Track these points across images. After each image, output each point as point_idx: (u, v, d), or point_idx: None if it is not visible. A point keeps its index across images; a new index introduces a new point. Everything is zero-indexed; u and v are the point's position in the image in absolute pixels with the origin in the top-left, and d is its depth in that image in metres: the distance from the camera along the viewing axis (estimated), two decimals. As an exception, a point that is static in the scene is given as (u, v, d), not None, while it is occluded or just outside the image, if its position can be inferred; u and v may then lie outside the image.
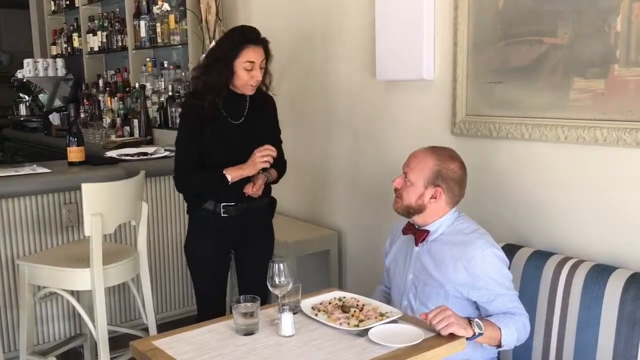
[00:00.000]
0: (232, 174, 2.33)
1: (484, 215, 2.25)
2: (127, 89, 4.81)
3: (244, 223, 2.46)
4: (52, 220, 3.01)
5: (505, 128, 2.31)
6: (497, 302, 1.90)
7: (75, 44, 5.68)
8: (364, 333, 1.69)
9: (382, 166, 2.90)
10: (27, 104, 5.85)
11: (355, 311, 1.82)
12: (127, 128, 4.55)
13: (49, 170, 3.04)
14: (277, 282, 1.79)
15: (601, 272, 1.91)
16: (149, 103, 4.44)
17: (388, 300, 2.14)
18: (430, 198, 1.98)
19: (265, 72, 2.41)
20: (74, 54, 5.74)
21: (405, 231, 2.09)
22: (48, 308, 3.06)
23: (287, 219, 3.46)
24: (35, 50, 6.60)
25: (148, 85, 4.51)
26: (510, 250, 2.13)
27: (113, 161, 3.29)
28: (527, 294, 2.04)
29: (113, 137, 4.39)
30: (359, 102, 3.05)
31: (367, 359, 1.58)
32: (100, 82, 5.21)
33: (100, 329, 2.40)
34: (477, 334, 1.74)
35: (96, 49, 5.30)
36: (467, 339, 1.72)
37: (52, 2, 6.05)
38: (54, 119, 5.24)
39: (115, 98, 4.88)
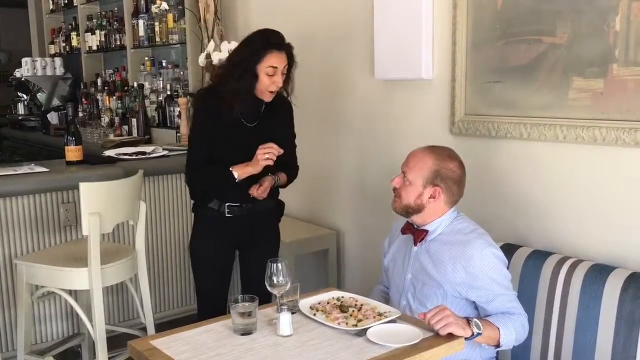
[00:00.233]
0: (238, 171, 2.31)
1: (483, 215, 2.25)
2: (126, 88, 4.80)
3: (249, 224, 2.45)
4: (50, 219, 3.00)
5: (504, 127, 2.31)
6: (495, 302, 1.90)
7: (74, 42, 5.68)
8: (362, 333, 1.69)
9: (381, 165, 2.89)
10: (26, 103, 5.84)
11: (353, 311, 1.81)
12: (126, 127, 4.54)
13: (47, 170, 3.03)
14: (275, 282, 1.79)
15: (600, 272, 1.91)
16: (147, 102, 4.45)
17: (386, 300, 2.13)
18: (429, 197, 1.97)
19: (287, 78, 2.37)
20: (73, 53, 5.73)
21: (404, 231, 2.09)
22: (46, 307, 3.05)
23: (286, 218, 3.41)
24: (34, 49, 6.58)
25: (146, 85, 4.51)
26: (508, 249, 2.13)
27: (111, 160, 3.28)
28: (526, 293, 2.03)
29: (111, 137, 4.38)
30: (357, 101, 3.05)
31: (366, 359, 1.58)
32: (99, 81, 5.21)
33: (98, 329, 2.40)
34: (475, 334, 1.74)
35: (94, 48, 5.30)
36: (466, 339, 1.71)
37: (51, 1, 6.04)
38: (52, 118, 5.23)
39: (114, 97, 4.87)
